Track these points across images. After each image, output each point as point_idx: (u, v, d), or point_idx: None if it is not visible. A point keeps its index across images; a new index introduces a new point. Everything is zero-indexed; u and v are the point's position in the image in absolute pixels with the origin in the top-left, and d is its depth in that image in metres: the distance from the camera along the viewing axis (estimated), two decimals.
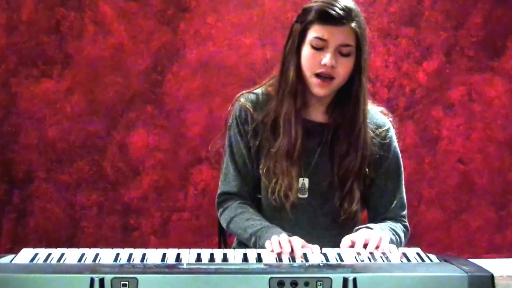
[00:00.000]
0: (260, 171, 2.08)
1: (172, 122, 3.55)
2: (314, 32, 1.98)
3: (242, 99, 2.12)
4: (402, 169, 2.16)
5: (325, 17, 1.96)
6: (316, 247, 1.84)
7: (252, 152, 2.10)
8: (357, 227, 1.99)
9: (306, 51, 2.00)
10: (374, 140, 2.09)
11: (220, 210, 2.16)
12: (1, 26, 3.49)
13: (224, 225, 2.15)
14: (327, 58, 1.96)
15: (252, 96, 2.13)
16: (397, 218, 2.13)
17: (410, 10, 3.57)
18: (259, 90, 2.14)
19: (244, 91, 2.16)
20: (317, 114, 2.10)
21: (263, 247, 1.91)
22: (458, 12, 3.58)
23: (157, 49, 3.53)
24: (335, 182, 2.07)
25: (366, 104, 2.06)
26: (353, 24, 1.97)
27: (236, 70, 3.54)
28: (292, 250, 1.81)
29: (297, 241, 1.84)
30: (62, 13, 3.50)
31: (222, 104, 3.48)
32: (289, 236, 1.89)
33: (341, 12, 1.95)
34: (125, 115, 3.54)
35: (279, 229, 1.98)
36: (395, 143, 2.14)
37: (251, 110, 2.10)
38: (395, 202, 2.12)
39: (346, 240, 1.88)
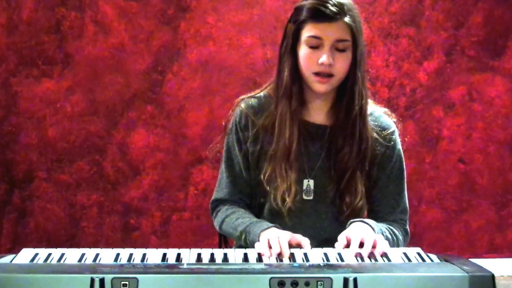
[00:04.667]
0: (262, 176, 2.05)
1: (173, 122, 3.55)
2: (308, 32, 1.95)
3: (242, 105, 2.10)
4: (405, 173, 2.13)
5: (317, 15, 1.93)
6: (306, 240, 1.83)
7: (251, 159, 2.08)
8: (351, 220, 1.96)
9: (303, 51, 1.97)
10: (378, 141, 2.07)
11: (213, 215, 2.15)
12: (1, 26, 3.48)
13: (217, 228, 2.14)
14: (324, 58, 1.93)
15: (253, 101, 2.10)
16: (397, 221, 2.10)
17: (411, 9, 3.57)
18: (260, 94, 2.12)
19: (245, 96, 2.13)
20: (320, 116, 2.08)
21: (252, 242, 1.90)
22: (459, 12, 3.58)
23: (157, 49, 3.53)
24: (336, 178, 2.05)
25: (364, 98, 2.03)
26: (346, 19, 1.93)
27: (236, 69, 3.54)
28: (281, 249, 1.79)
29: (284, 238, 1.81)
30: (63, 13, 3.50)
31: (222, 103, 3.48)
32: (278, 229, 1.88)
33: (333, 8, 1.91)
34: (125, 114, 3.54)
35: (267, 223, 1.96)
36: (399, 146, 2.11)
37: (252, 116, 2.07)
38: (397, 206, 2.10)
39: (341, 237, 1.86)
